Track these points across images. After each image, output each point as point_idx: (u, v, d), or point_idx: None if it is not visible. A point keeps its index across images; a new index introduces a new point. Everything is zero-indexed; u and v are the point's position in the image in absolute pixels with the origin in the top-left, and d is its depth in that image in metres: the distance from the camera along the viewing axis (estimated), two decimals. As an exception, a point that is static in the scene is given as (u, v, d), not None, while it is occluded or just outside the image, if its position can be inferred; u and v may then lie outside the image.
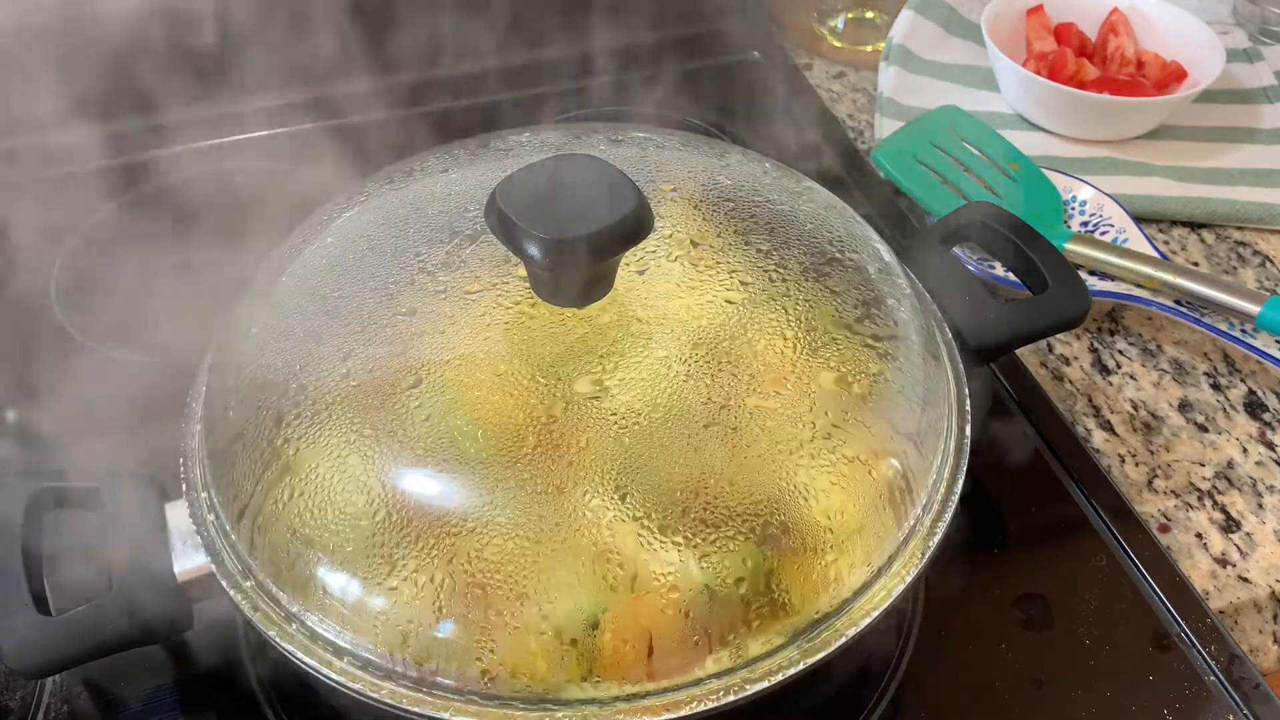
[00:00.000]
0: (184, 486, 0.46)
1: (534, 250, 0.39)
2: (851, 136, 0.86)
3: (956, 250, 0.67)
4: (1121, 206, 0.75)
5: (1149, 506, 0.61)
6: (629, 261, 0.43)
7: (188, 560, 0.44)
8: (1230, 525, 0.60)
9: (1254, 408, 0.67)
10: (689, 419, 0.40)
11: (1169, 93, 0.84)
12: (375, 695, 0.39)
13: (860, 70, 0.94)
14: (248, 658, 0.52)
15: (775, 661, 0.40)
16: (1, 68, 0.65)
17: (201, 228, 0.74)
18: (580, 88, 0.87)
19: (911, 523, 0.43)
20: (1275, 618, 0.57)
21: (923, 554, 0.43)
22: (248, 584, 0.42)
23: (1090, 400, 0.67)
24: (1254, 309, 0.64)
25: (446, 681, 0.39)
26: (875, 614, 0.41)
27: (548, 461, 0.39)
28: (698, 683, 0.39)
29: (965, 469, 0.46)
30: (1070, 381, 0.68)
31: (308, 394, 0.42)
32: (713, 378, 0.41)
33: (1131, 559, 0.56)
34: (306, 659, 0.40)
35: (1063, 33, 0.88)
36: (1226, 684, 0.51)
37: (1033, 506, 0.59)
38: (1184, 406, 0.67)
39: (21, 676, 0.50)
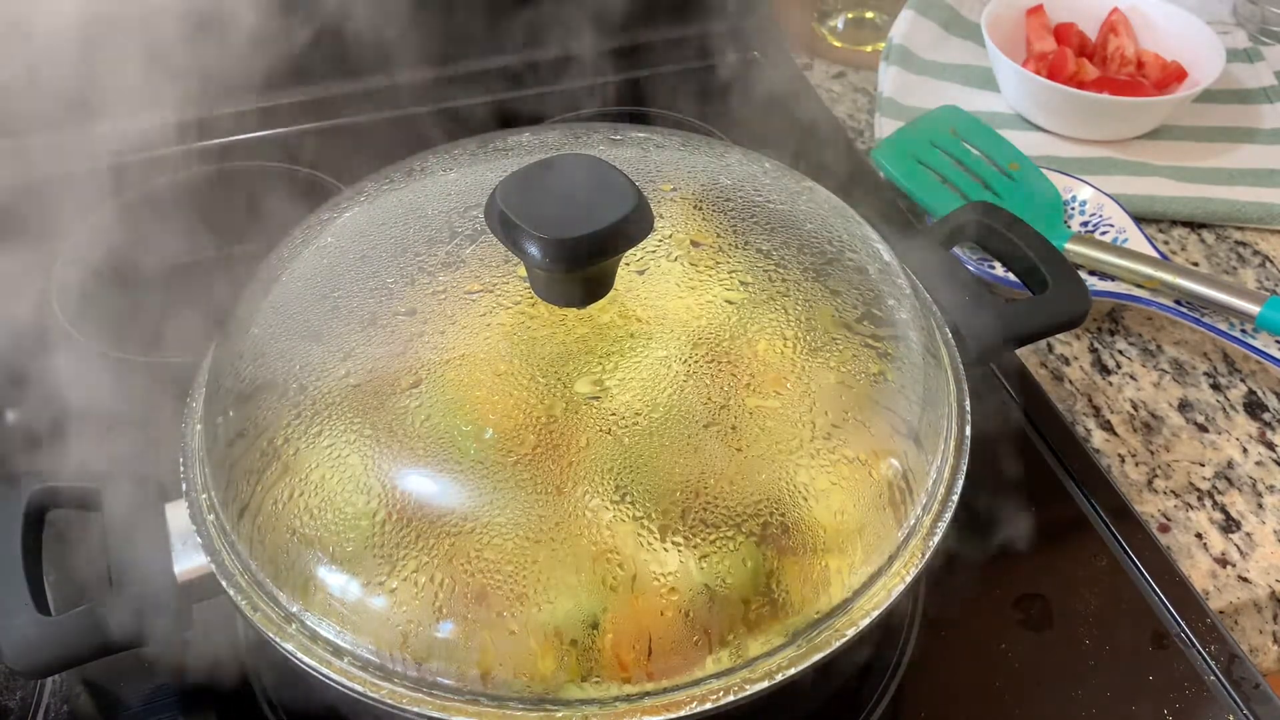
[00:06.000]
0: (184, 486, 0.46)
1: (534, 250, 0.39)
2: (851, 136, 0.86)
3: (956, 250, 0.67)
4: (1121, 206, 0.75)
5: (1149, 506, 0.61)
6: (629, 261, 0.43)
7: (188, 560, 0.44)
8: (1230, 525, 0.60)
9: (1254, 408, 0.67)
10: (689, 419, 0.40)
11: (1169, 93, 0.84)
12: (375, 695, 0.39)
13: (860, 70, 0.94)
14: (248, 658, 0.52)
15: (775, 661, 0.40)
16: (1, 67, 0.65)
17: (202, 227, 0.74)
18: (580, 88, 0.87)
19: (911, 523, 0.43)
20: (1275, 618, 0.57)
21: (923, 554, 0.43)
22: (247, 584, 0.42)
23: (1090, 400, 0.67)
24: (1254, 309, 0.64)
25: (446, 681, 0.39)
26: (875, 614, 0.41)
27: (547, 461, 0.39)
28: (698, 683, 0.39)
29: (965, 469, 0.46)
30: (1070, 381, 0.68)
31: (308, 394, 0.42)
32: (713, 378, 0.41)
33: (1131, 559, 0.56)
34: (306, 659, 0.40)
35: (1063, 33, 0.88)
36: (1226, 684, 0.51)
37: (1033, 506, 0.59)
38: (1184, 406, 0.67)
39: (21, 676, 0.50)
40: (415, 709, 0.39)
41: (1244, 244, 0.78)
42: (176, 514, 0.45)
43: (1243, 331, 0.67)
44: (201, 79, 0.74)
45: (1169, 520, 0.61)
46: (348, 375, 0.42)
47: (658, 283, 0.43)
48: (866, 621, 0.41)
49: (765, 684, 0.39)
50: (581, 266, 0.40)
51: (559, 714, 0.38)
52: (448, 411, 0.40)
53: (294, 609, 0.41)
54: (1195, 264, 0.76)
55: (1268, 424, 0.66)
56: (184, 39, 0.68)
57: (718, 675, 0.39)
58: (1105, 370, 0.69)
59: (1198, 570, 0.58)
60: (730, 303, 0.43)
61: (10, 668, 0.43)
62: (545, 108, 0.86)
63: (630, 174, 0.41)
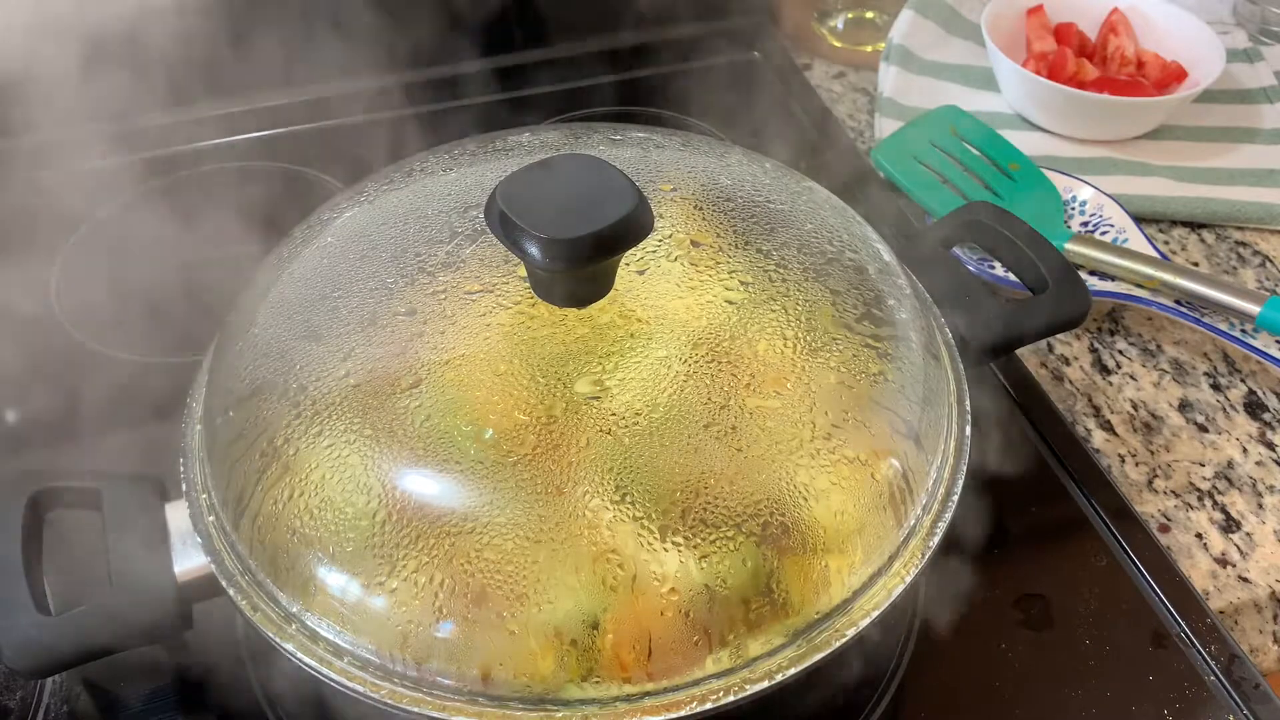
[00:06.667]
0: (184, 486, 0.46)
1: (534, 250, 0.39)
2: (851, 136, 0.86)
3: (956, 250, 0.67)
4: (1121, 206, 0.75)
5: (1149, 506, 0.61)
6: (629, 261, 0.43)
7: (188, 560, 0.44)
8: (1230, 525, 0.60)
9: (1254, 408, 0.67)
10: (689, 419, 0.40)
11: (1169, 93, 0.84)
12: (375, 695, 0.39)
13: (860, 70, 0.94)
14: (247, 658, 0.52)
15: (775, 662, 0.40)
16: (1, 67, 0.66)
17: (201, 227, 0.74)
18: (580, 88, 0.87)
19: (911, 523, 0.43)
20: (1275, 618, 0.57)
21: (923, 554, 0.43)
22: (248, 584, 0.42)
23: (1090, 400, 0.67)
24: (1254, 309, 0.64)
25: (446, 681, 0.39)
26: (875, 614, 0.41)
27: (548, 462, 0.39)
28: (698, 683, 0.39)
29: (965, 469, 0.46)
30: (1070, 381, 0.68)
31: (308, 394, 0.42)
32: (713, 378, 0.41)
33: (1131, 559, 0.56)
34: (306, 659, 0.40)
35: (1063, 33, 0.88)
36: (1226, 684, 0.51)
37: (1033, 506, 0.59)
38: (1184, 406, 0.67)
39: (21, 676, 0.50)
40: (415, 709, 0.39)
41: (1244, 244, 0.78)
42: (176, 514, 0.45)
43: (1243, 331, 0.67)
44: (203, 79, 0.74)
45: (1169, 520, 0.61)
46: (348, 375, 0.42)
47: (658, 283, 0.43)
48: (866, 622, 0.41)
49: (765, 684, 0.39)
50: (581, 266, 0.40)
51: (559, 714, 0.38)
52: (448, 411, 0.40)
53: (294, 609, 0.41)
54: (1195, 264, 0.76)
55: (1268, 424, 0.66)
56: (184, 39, 0.68)
57: (718, 675, 0.39)
58: (1105, 370, 0.69)
59: (1198, 570, 0.58)
60: (730, 303, 0.43)
61: (10, 668, 0.43)
62: (545, 108, 0.86)
63: (630, 174, 0.41)
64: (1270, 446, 0.64)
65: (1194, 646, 0.53)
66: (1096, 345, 0.70)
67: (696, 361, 0.41)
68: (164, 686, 0.51)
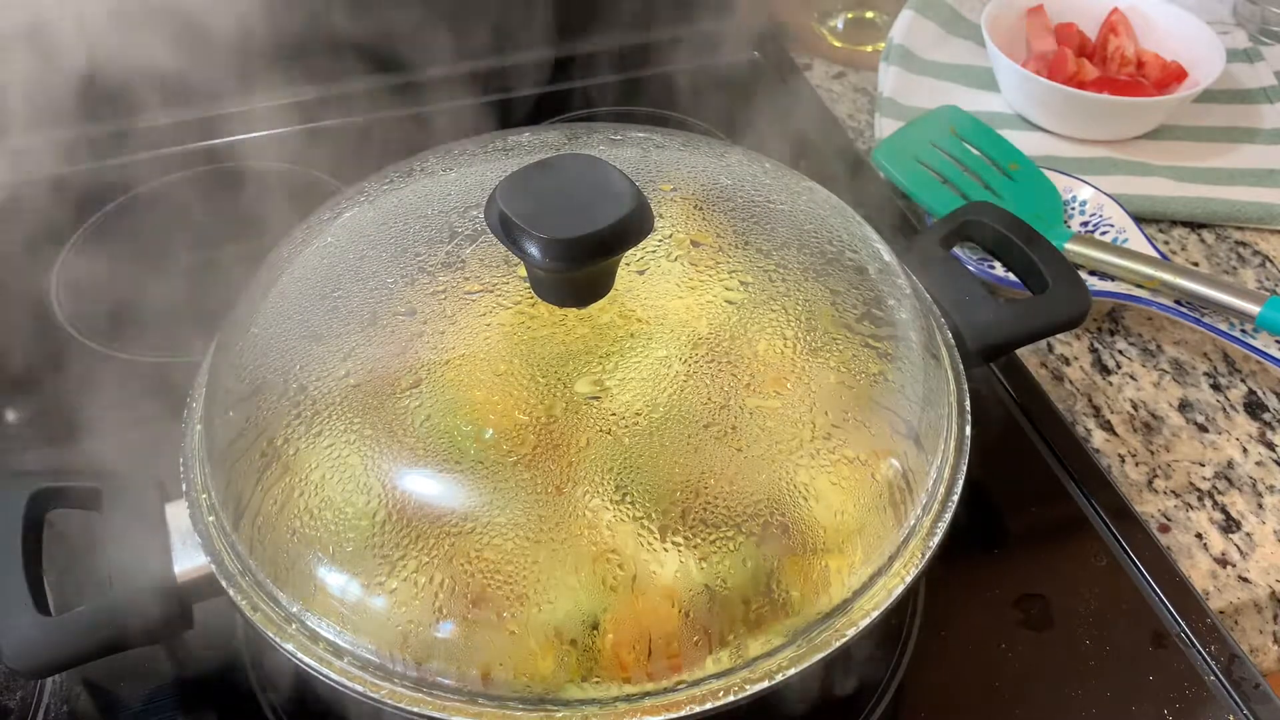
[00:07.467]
0: (184, 486, 0.46)
1: (534, 250, 0.39)
2: (851, 136, 0.86)
3: (956, 250, 0.67)
4: (1121, 206, 0.75)
5: (1149, 506, 0.61)
6: (629, 261, 0.43)
7: (188, 560, 0.44)
8: (1230, 525, 0.60)
9: (1254, 408, 0.67)
10: (689, 419, 0.40)
11: (1169, 93, 0.84)
12: (375, 695, 0.39)
13: (860, 70, 0.94)
14: (247, 658, 0.52)
15: (775, 661, 0.40)
16: (3, 66, 0.66)
17: (202, 227, 0.74)
18: (581, 88, 0.87)
19: (911, 523, 0.43)
20: (1275, 618, 0.57)
21: (923, 554, 0.43)
22: (248, 584, 0.42)
23: (1090, 400, 0.67)
24: (1254, 309, 0.64)
25: (446, 681, 0.39)
26: (875, 614, 0.41)
27: (548, 462, 0.39)
28: (698, 683, 0.39)
29: (965, 469, 0.46)
30: (1070, 381, 0.68)
31: (308, 394, 0.42)
32: (713, 378, 0.41)
33: (1131, 559, 0.56)
34: (306, 659, 0.40)
35: (1063, 33, 0.88)
36: (1226, 684, 0.51)
37: (1033, 506, 0.59)
38: (1184, 406, 0.67)
39: (21, 676, 0.50)
40: (415, 709, 0.39)
41: (1244, 244, 0.78)
42: (176, 514, 0.45)
43: (1243, 331, 0.67)
44: (201, 79, 0.74)
45: (1169, 520, 0.61)
46: (348, 375, 0.42)
47: (658, 283, 0.43)
48: (866, 622, 0.41)
49: (765, 684, 0.39)
50: (581, 266, 0.40)
51: (559, 714, 0.38)
52: (448, 411, 0.40)
53: (294, 609, 0.41)
54: (1195, 264, 0.76)
55: (1268, 424, 0.66)
56: (184, 39, 0.68)
57: (718, 675, 0.39)
58: (1105, 370, 0.69)
59: (1198, 570, 0.58)
60: (730, 303, 0.43)
61: (10, 668, 0.43)
62: (545, 108, 0.86)
63: (630, 174, 0.41)
64: (1270, 446, 0.64)
65: (1194, 646, 0.53)
66: (1096, 345, 0.70)
67: (696, 361, 0.41)
68: (164, 686, 0.51)
